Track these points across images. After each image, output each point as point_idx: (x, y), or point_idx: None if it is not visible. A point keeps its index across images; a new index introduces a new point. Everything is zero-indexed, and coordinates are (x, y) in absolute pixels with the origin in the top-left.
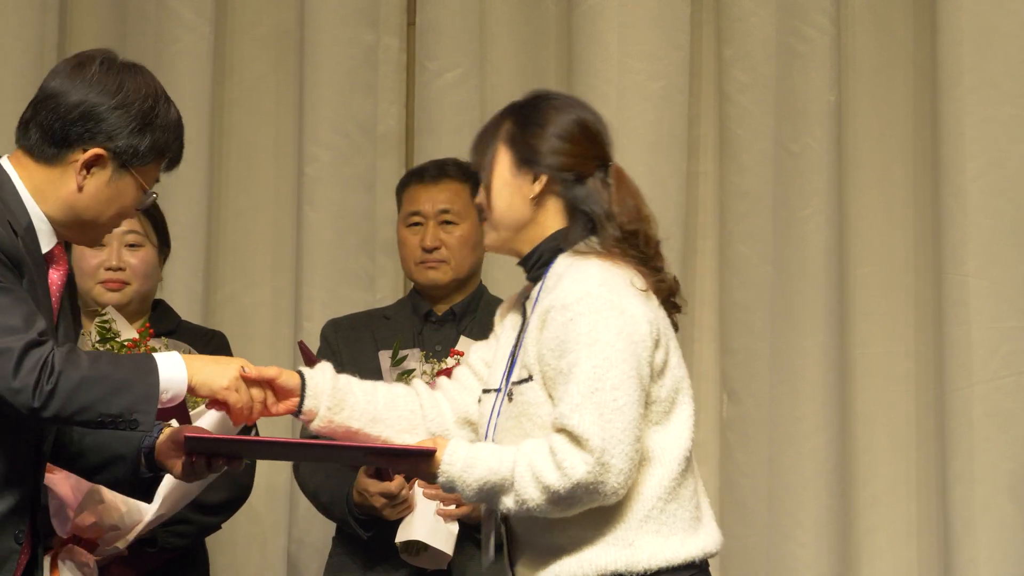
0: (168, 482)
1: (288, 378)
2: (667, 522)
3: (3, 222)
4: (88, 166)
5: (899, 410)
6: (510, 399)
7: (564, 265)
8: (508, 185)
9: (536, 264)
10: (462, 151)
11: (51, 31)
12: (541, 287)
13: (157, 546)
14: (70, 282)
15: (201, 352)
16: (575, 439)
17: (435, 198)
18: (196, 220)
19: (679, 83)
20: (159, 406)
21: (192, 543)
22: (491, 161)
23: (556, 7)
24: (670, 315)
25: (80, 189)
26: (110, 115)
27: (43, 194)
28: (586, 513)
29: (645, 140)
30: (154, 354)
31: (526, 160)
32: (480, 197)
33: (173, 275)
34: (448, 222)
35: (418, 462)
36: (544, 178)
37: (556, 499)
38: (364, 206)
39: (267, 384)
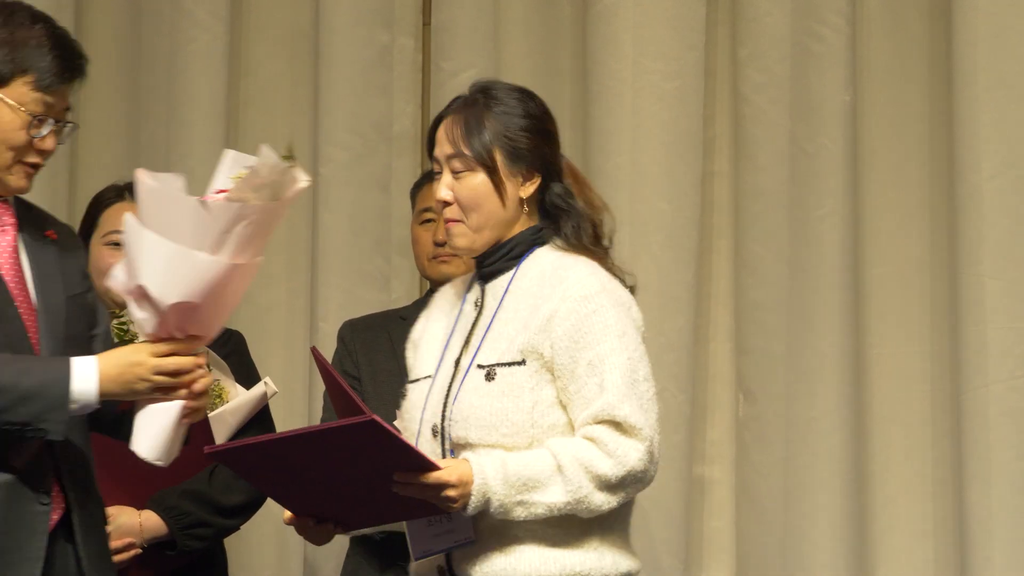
0: None
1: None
2: (623, 534)
3: None
4: None
5: (915, 410)
6: (489, 378)
7: (550, 259)
8: (501, 186)
9: (507, 256)
10: None
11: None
12: (514, 275)
13: (176, 548)
14: (65, 248)
15: (219, 352)
16: (624, 428)
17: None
18: None
19: (694, 83)
20: (71, 414)
21: (210, 545)
22: (483, 161)
23: (571, 7)
24: None
25: None
26: None
27: None
28: (574, 526)
29: (660, 140)
30: (72, 360)
31: (518, 160)
32: (454, 195)
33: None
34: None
35: (434, 490)
36: (537, 178)
37: (608, 487)
38: (379, 206)
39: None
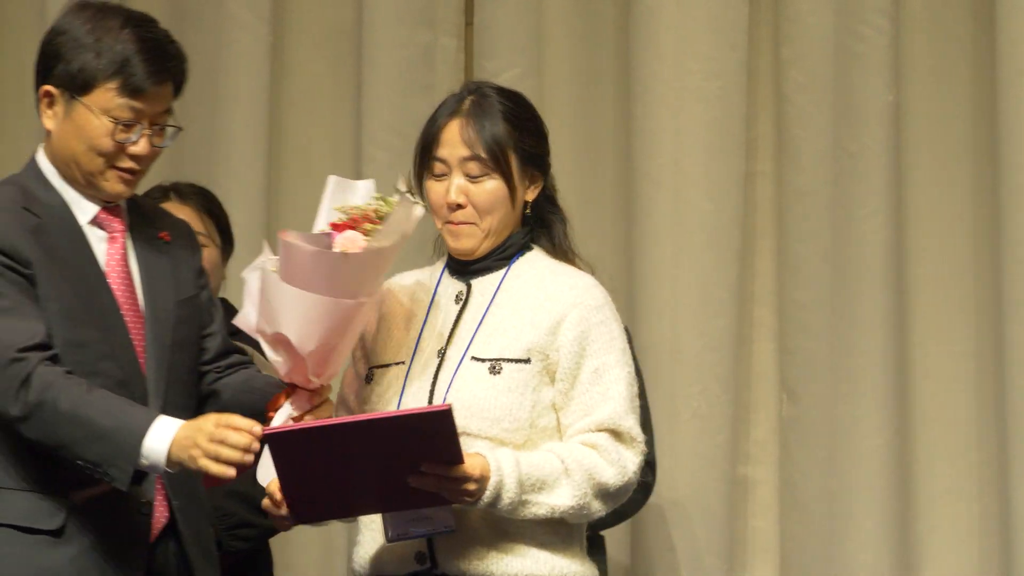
0: None
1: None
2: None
3: (9, 213)
4: (49, 106)
5: (959, 410)
6: (494, 372)
7: (544, 263)
8: (514, 190)
9: (500, 256)
10: None
11: None
12: (505, 274)
13: (221, 549)
14: (178, 248)
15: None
16: (625, 439)
17: None
18: (254, 220)
19: (736, 83)
20: (139, 468)
21: (256, 545)
22: (501, 166)
23: (613, 7)
24: None
25: (49, 133)
26: (47, 49)
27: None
28: (554, 522)
29: (702, 141)
30: (156, 418)
31: (527, 164)
32: (468, 199)
33: (230, 275)
34: None
35: (455, 482)
36: (540, 182)
37: (606, 495)
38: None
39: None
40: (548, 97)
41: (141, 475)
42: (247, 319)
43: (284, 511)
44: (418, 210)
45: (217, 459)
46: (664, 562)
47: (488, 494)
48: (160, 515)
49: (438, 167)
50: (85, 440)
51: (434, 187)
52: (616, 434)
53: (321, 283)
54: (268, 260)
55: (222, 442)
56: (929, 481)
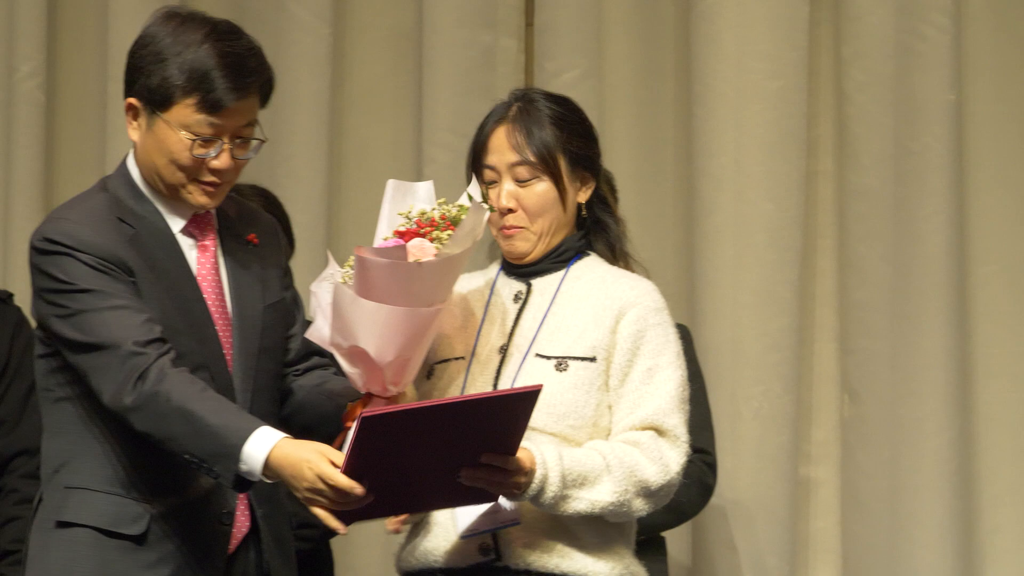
0: None
1: None
2: None
3: (107, 223)
4: (134, 118)
5: (1022, 409)
6: (561, 368)
7: (604, 268)
8: (564, 193)
9: (557, 258)
10: None
11: None
12: (564, 276)
13: None
14: (266, 249)
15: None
16: (669, 437)
17: None
18: (315, 221)
19: (797, 82)
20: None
21: (317, 546)
22: (550, 168)
23: (674, 7)
24: None
25: (135, 144)
26: (132, 60)
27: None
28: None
29: (763, 140)
30: (260, 426)
31: (576, 166)
32: (518, 203)
33: (292, 275)
34: None
35: (506, 476)
36: (592, 183)
37: (648, 494)
38: None
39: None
40: (608, 98)
41: (246, 483)
42: (319, 332)
43: (360, 490)
44: (484, 211)
45: (317, 495)
46: (725, 563)
47: (533, 487)
48: (241, 524)
49: (488, 174)
50: (192, 436)
51: (487, 193)
52: (659, 432)
53: (398, 294)
54: (336, 272)
55: (321, 494)
56: (992, 481)
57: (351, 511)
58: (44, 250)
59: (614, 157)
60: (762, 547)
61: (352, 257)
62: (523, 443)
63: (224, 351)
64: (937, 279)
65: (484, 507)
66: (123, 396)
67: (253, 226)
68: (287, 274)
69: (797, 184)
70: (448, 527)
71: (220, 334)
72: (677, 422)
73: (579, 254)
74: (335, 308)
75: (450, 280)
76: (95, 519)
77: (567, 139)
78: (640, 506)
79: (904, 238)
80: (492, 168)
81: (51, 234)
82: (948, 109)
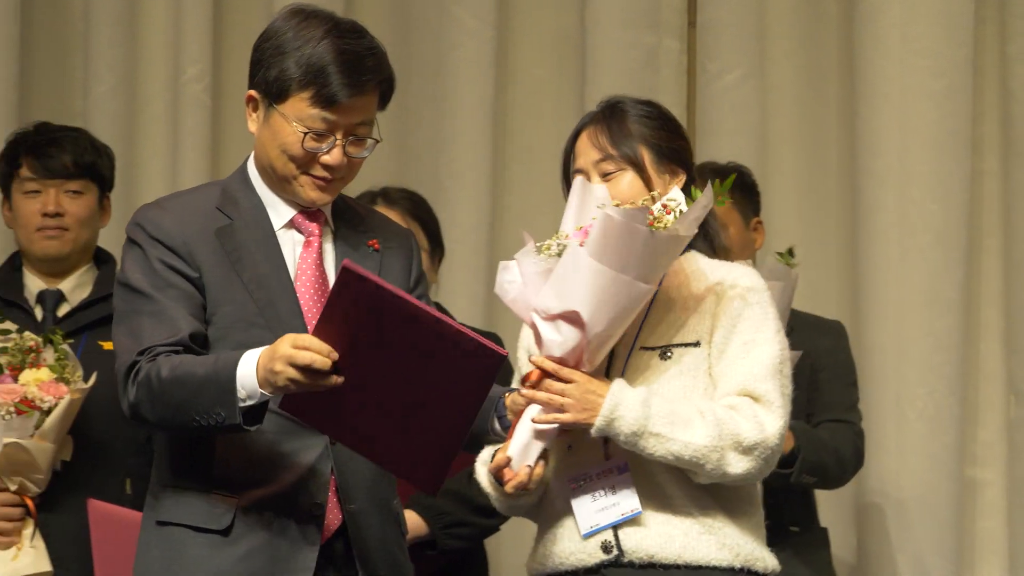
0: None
1: None
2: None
3: (198, 213)
4: (254, 110)
5: None
6: (664, 357)
7: (702, 260)
8: (650, 183)
9: None
10: (744, 151)
11: None
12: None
13: (436, 547)
14: (389, 256)
15: None
16: (763, 402)
17: None
18: (478, 222)
19: (962, 81)
20: (247, 402)
21: (471, 545)
22: (632, 159)
23: (837, 5)
24: None
25: (255, 136)
26: (255, 54)
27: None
28: (733, 505)
29: (928, 138)
30: (246, 351)
31: (663, 158)
32: (630, 192)
33: (454, 277)
34: None
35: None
36: (682, 176)
37: (743, 449)
38: None
39: None
40: (771, 98)
41: (259, 414)
42: (517, 298)
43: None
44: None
45: (293, 363)
46: (890, 562)
47: (604, 409)
48: (333, 517)
49: (579, 178)
50: (191, 396)
51: None
52: (754, 397)
53: (627, 261)
54: (532, 249)
55: (304, 348)
56: None
57: (314, 410)
58: (128, 237)
59: (776, 156)
60: (926, 547)
61: (549, 241)
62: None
63: None
64: None
65: (602, 503)
66: (125, 402)
67: (379, 233)
68: (419, 283)
69: (962, 183)
70: (572, 530)
71: (309, 328)
72: (771, 387)
73: None
74: (561, 269)
75: (667, 261)
76: (185, 517)
77: (650, 132)
78: (734, 460)
79: None
80: (581, 171)
81: (139, 218)
82: None
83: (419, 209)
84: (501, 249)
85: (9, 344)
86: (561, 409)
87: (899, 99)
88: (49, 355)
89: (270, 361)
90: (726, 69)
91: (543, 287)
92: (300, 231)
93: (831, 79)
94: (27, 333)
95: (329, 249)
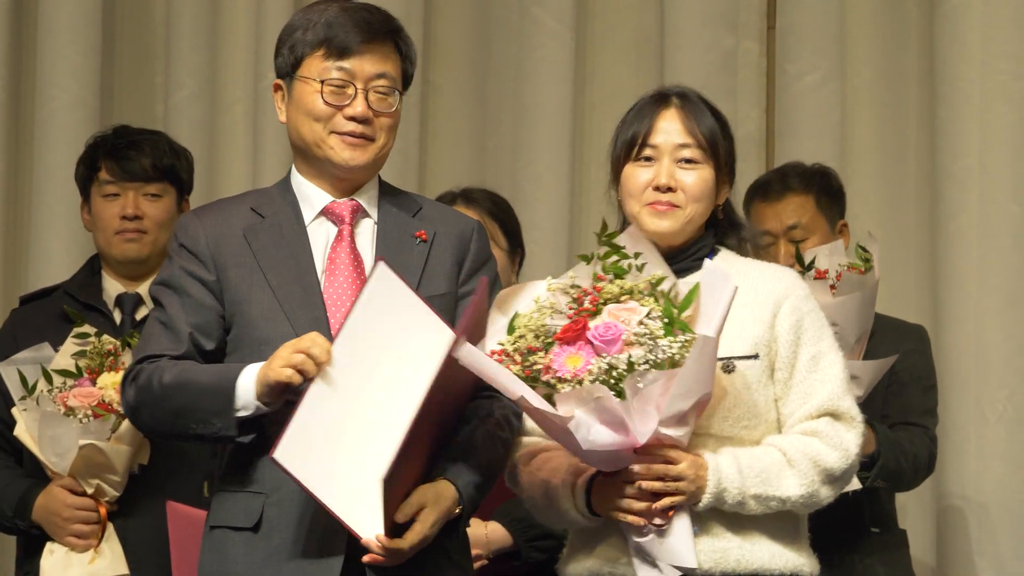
0: None
1: None
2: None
3: (231, 215)
4: (281, 100)
5: None
6: (728, 370)
7: (741, 262)
8: (715, 185)
9: (694, 256)
10: (823, 154)
11: (414, 41)
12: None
13: (521, 559)
14: (438, 247)
15: None
16: (845, 419)
17: (780, 215)
18: (558, 224)
19: None
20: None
21: (555, 557)
22: (716, 157)
23: (917, 8)
24: None
25: (287, 123)
26: (275, 52)
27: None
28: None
29: (1009, 141)
30: (248, 366)
31: (725, 165)
32: (679, 183)
33: (534, 278)
34: (796, 240)
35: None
36: (729, 186)
37: (833, 480)
38: None
39: None
40: (851, 100)
41: (255, 425)
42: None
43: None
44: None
45: (290, 363)
46: (969, 564)
47: (711, 485)
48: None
49: (648, 152)
50: (191, 402)
51: (637, 171)
52: (835, 416)
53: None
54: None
55: (301, 350)
56: None
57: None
58: (171, 243)
59: (856, 159)
60: (1007, 550)
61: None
62: (711, 448)
63: (332, 333)
64: None
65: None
66: (124, 400)
67: (432, 224)
68: (470, 277)
69: None
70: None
71: (332, 323)
72: (850, 403)
73: (711, 251)
74: (698, 364)
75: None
76: (226, 518)
77: (723, 136)
78: (827, 494)
79: None
80: (655, 147)
81: (176, 226)
82: None
83: (499, 209)
84: (580, 250)
85: (88, 347)
86: (677, 492)
87: (980, 102)
88: (127, 358)
89: (277, 356)
90: (806, 71)
91: (661, 398)
92: (333, 222)
93: (911, 81)
94: (105, 336)
95: (367, 242)
